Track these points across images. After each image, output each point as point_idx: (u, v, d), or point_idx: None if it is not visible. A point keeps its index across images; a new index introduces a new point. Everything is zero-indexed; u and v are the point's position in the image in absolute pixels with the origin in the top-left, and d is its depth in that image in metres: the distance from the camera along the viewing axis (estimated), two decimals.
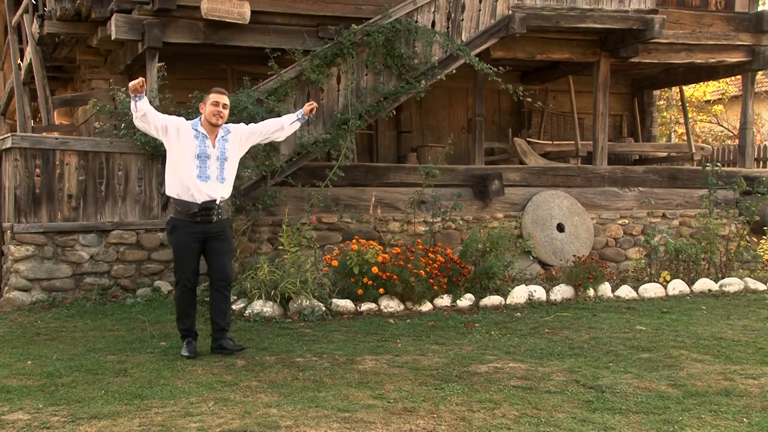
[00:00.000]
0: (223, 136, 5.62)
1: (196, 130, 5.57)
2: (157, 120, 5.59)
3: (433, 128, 12.48)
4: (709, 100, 19.02)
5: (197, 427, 3.87)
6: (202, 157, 5.50)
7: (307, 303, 7.13)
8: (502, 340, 6.15)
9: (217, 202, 5.54)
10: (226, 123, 5.74)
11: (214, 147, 5.55)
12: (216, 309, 5.68)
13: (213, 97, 5.59)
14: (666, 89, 16.11)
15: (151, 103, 6.19)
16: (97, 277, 8.16)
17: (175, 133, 5.56)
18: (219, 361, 5.38)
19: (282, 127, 5.92)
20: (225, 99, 5.62)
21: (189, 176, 5.49)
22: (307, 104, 5.97)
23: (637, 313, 7.43)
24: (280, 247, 7.97)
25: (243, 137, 5.76)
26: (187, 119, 5.73)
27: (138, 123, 5.64)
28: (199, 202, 5.50)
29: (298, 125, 6.01)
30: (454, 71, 9.45)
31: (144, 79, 5.56)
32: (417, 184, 9.31)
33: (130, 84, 5.38)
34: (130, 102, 5.55)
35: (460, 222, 9.88)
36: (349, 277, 7.49)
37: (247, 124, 6.02)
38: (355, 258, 7.44)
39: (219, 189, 5.56)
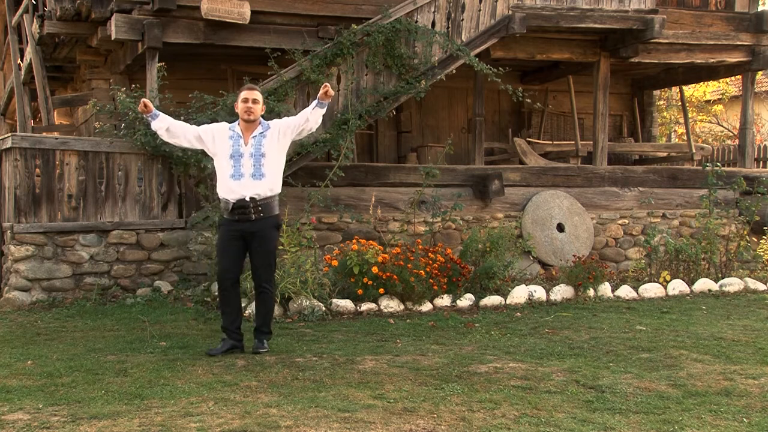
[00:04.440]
0: (261, 133, 5.62)
1: (232, 131, 5.64)
2: (188, 132, 5.72)
3: (433, 128, 12.48)
4: (709, 100, 19.02)
5: (197, 427, 3.87)
6: (235, 156, 5.55)
7: (307, 303, 7.13)
8: (502, 340, 6.14)
9: (257, 201, 5.54)
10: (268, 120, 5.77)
11: (246, 144, 5.57)
12: (255, 309, 5.84)
13: (243, 93, 5.62)
14: (666, 89, 16.10)
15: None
16: (97, 277, 8.16)
17: (210, 140, 5.67)
18: (219, 361, 5.39)
19: (307, 119, 5.77)
20: (255, 94, 5.62)
21: (224, 176, 5.60)
22: (322, 88, 5.70)
23: (637, 313, 7.43)
24: (280, 247, 7.97)
25: (281, 130, 5.71)
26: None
27: (166, 139, 5.80)
28: (233, 201, 5.55)
29: (320, 110, 5.77)
30: (454, 71, 9.46)
31: (144, 100, 5.61)
32: (417, 184, 9.32)
33: (138, 108, 5.54)
34: (149, 122, 5.73)
35: (460, 222, 9.88)
36: (349, 277, 7.48)
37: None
38: (355, 258, 7.44)
39: (253, 186, 5.54)
